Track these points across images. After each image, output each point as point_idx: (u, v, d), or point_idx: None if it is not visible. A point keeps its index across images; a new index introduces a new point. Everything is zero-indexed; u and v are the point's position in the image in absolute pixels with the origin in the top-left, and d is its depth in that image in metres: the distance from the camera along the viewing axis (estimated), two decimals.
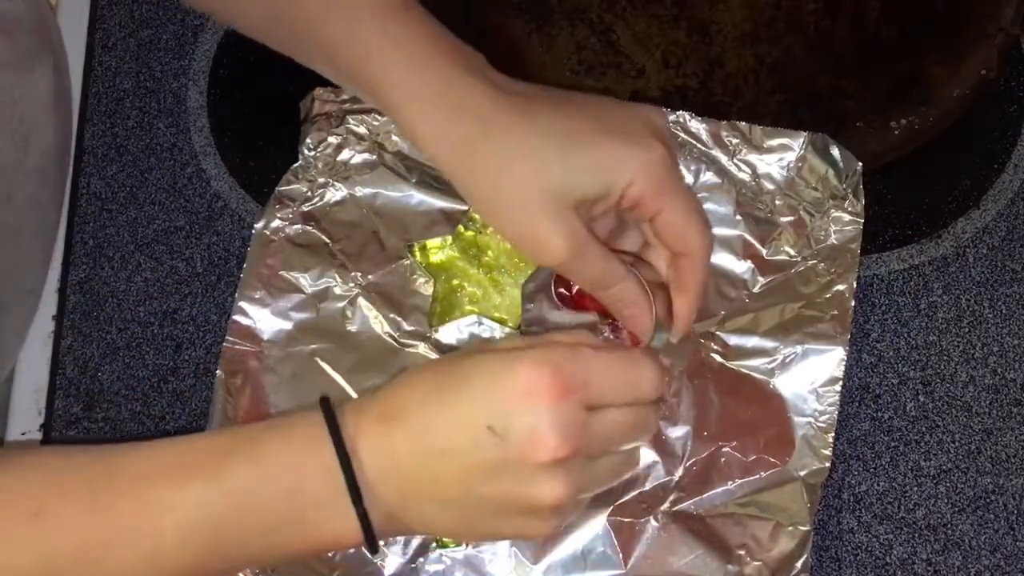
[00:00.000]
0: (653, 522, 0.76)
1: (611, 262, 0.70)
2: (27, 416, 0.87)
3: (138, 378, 0.87)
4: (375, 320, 0.81)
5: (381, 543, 0.65)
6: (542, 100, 0.71)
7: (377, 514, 0.63)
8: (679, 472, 0.77)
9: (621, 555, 0.75)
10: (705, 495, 0.77)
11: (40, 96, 0.84)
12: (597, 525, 0.76)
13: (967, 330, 0.86)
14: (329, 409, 0.64)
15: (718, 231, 0.80)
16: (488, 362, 0.64)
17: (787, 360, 0.79)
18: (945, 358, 0.85)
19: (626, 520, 0.76)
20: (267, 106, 0.94)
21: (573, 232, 0.69)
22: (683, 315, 0.73)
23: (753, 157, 0.82)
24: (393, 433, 0.63)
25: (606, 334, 0.74)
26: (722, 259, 0.81)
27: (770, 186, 0.82)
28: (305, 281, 0.82)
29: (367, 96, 0.73)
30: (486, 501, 0.64)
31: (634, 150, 0.69)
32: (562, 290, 0.77)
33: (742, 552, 0.75)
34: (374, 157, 0.85)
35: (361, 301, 0.82)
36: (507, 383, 0.62)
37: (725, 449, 0.77)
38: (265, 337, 0.81)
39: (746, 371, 0.79)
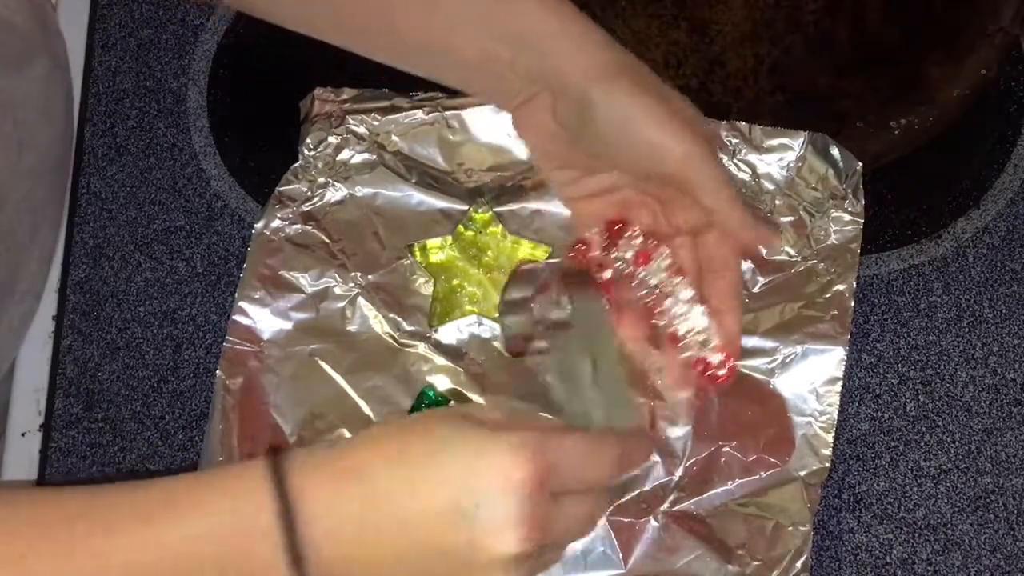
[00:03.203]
0: (653, 522, 0.76)
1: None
2: (27, 416, 0.87)
3: (138, 378, 0.87)
4: (375, 320, 0.81)
5: None
6: None
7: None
8: (679, 472, 0.77)
9: (621, 555, 0.75)
10: (705, 495, 0.77)
11: (34, 98, 0.84)
12: (597, 525, 0.76)
13: (967, 330, 0.86)
14: (274, 463, 0.61)
15: None
16: (466, 438, 0.61)
17: (787, 360, 0.79)
18: (945, 358, 0.85)
19: (626, 520, 0.76)
20: (267, 106, 0.94)
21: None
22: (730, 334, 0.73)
23: (753, 157, 0.82)
24: (348, 492, 0.61)
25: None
26: None
27: (770, 186, 0.83)
28: (305, 281, 0.82)
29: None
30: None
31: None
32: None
33: (742, 552, 0.75)
34: (374, 157, 0.85)
35: (361, 301, 0.82)
36: (485, 465, 0.60)
37: (725, 449, 0.77)
38: (265, 337, 0.81)
39: (746, 371, 0.79)
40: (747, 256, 0.73)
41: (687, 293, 0.74)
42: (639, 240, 0.75)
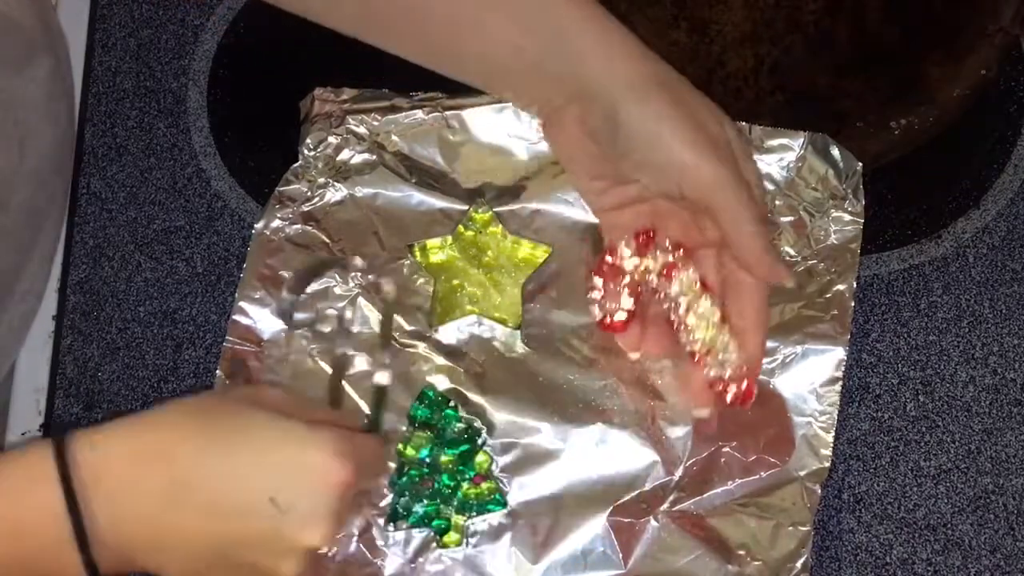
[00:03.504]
0: (653, 522, 0.76)
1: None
2: (27, 416, 0.87)
3: (138, 378, 0.87)
4: (375, 320, 0.81)
5: None
6: None
7: (107, 558, 0.62)
8: (679, 472, 0.77)
9: (621, 555, 0.75)
10: (705, 495, 0.76)
11: (36, 99, 0.83)
12: (597, 525, 0.76)
13: (967, 330, 0.86)
14: (60, 448, 0.62)
15: None
16: (285, 434, 0.64)
17: (787, 360, 0.79)
18: (945, 358, 0.85)
19: (626, 520, 0.76)
20: (267, 106, 0.94)
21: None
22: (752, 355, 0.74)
23: (754, 157, 0.82)
24: (148, 476, 0.62)
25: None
26: None
27: (770, 186, 0.82)
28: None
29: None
30: (232, 563, 0.65)
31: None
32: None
33: (742, 552, 0.75)
34: (374, 157, 0.85)
35: (361, 301, 0.82)
36: (306, 464, 0.63)
37: (725, 449, 0.77)
38: (265, 337, 0.81)
39: None
40: None
41: (711, 311, 0.73)
42: (668, 251, 0.74)
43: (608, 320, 0.76)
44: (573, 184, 0.78)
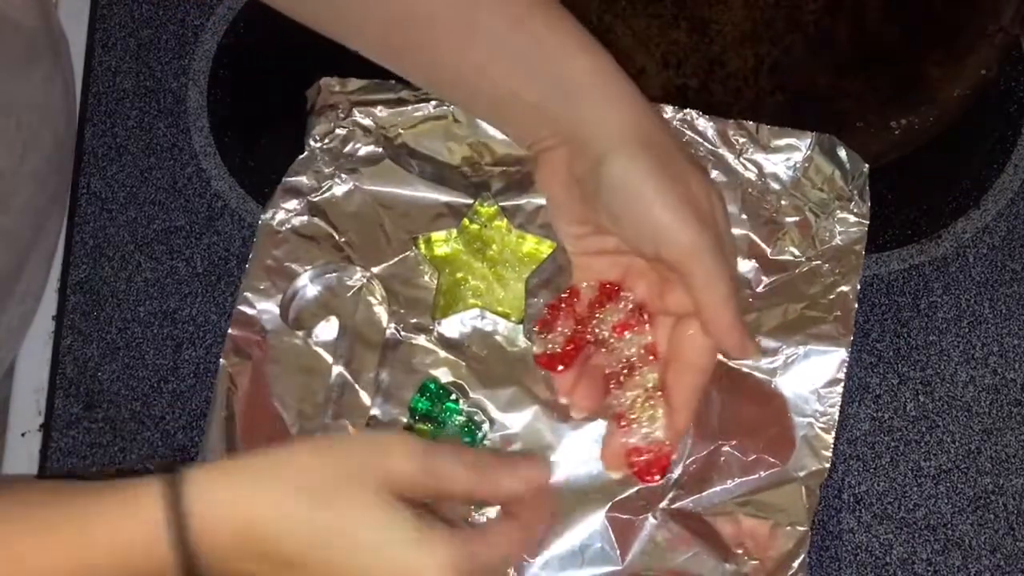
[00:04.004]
0: (651, 519, 0.76)
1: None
2: (27, 416, 0.87)
3: (138, 378, 0.87)
4: (379, 312, 0.81)
5: None
6: None
7: None
8: (678, 470, 0.77)
9: (619, 551, 0.75)
10: (704, 493, 0.76)
11: (36, 99, 0.84)
12: (595, 521, 0.76)
13: (967, 330, 0.86)
14: (176, 510, 0.61)
15: None
16: (394, 533, 0.61)
17: (789, 360, 0.79)
18: (945, 358, 0.85)
19: (624, 517, 0.76)
20: (267, 106, 0.94)
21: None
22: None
23: (760, 156, 0.82)
24: (252, 551, 0.61)
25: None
26: None
27: (776, 186, 0.82)
28: None
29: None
30: None
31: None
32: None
33: (740, 551, 0.75)
34: (380, 150, 0.85)
35: (365, 293, 0.82)
36: (406, 571, 0.60)
37: (725, 448, 0.77)
38: (269, 327, 0.81)
39: (748, 370, 0.79)
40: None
41: (652, 379, 0.72)
42: (627, 309, 0.74)
43: (544, 358, 0.74)
44: (554, 225, 0.77)
